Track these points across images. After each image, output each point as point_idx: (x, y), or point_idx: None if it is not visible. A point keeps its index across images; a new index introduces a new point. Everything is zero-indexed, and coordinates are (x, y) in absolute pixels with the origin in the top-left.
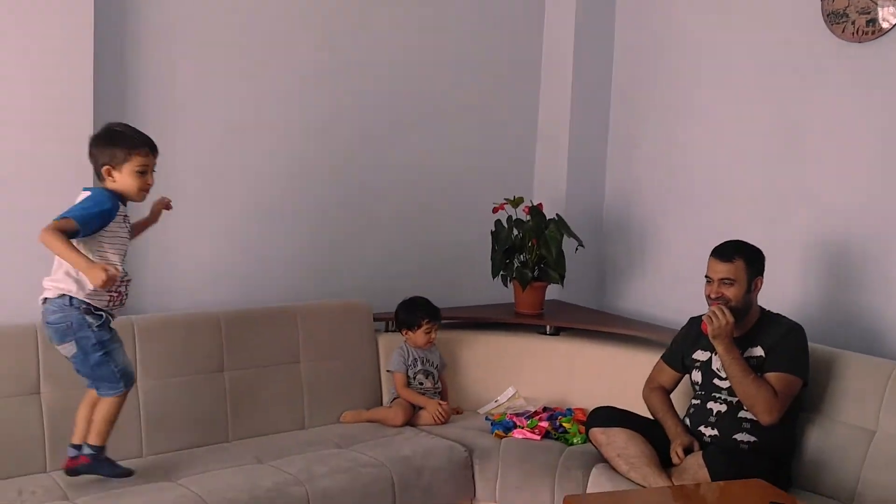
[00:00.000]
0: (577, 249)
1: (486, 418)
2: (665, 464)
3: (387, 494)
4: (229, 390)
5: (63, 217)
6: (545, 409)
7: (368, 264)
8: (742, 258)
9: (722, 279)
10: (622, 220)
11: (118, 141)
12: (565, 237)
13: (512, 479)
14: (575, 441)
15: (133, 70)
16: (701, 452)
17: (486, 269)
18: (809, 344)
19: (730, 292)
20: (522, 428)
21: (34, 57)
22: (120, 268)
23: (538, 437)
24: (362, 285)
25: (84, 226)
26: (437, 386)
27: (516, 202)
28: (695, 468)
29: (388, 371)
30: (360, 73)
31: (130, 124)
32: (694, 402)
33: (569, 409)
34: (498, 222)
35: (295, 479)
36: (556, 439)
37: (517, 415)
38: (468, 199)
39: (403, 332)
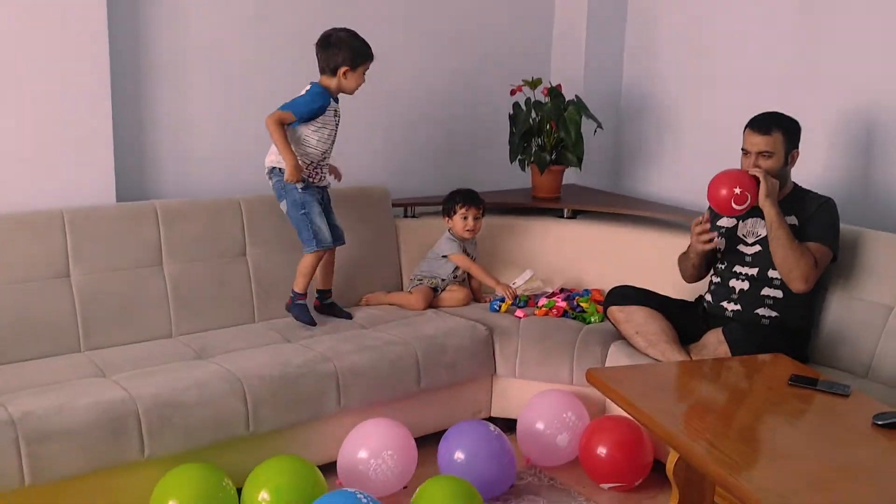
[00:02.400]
0: (595, 132)
1: (502, 299)
2: (684, 341)
3: (411, 370)
4: (254, 273)
5: (285, 108)
6: (562, 291)
7: (387, 150)
8: (780, 130)
9: (760, 152)
10: (641, 102)
11: (360, 49)
12: (584, 119)
13: (531, 356)
14: (593, 320)
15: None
16: (721, 329)
17: (504, 154)
18: None
19: (767, 165)
20: (539, 307)
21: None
22: (320, 153)
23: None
24: (381, 171)
25: (300, 117)
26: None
27: (534, 84)
28: (714, 344)
29: (443, 257)
30: None
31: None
32: (715, 279)
33: (586, 290)
34: (516, 105)
35: (323, 356)
36: (574, 319)
37: (535, 296)
38: (485, 82)
39: (446, 221)
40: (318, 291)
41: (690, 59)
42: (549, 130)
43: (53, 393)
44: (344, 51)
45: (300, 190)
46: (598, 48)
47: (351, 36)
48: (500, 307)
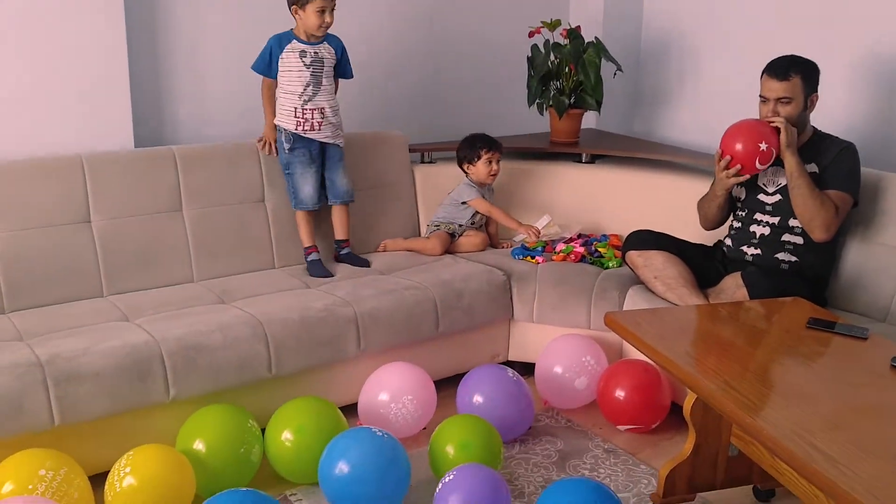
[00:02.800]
0: (615, 74)
1: (522, 246)
2: (703, 286)
3: (430, 315)
4: (272, 219)
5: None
6: (580, 236)
7: (403, 96)
8: (798, 74)
9: (779, 98)
10: (661, 44)
11: None
12: (603, 62)
13: (549, 300)
14: (610, 265)
15: None
16: (739, 273)
17: (522, 98)
18: None
19: (786, 111)
20: (556, 253)
21: None
22: (296, 96)
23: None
24: (397, 117)
25: (260, 72)
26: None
27: (553, 25)
28: (733, 288)
29: (462, 203)
30: None
31: None
32: (735, 224)
33: (604, 235)
34: (534, 47)
35: (343, 300)
36: (592, 264)
37: (553, 242)
38: (503, 24)
39: (466, 168)
40: (335, 242)
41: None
42: (567, 73)
43: (79, 336)
44: None
45: (287, 151)
46: None
47: None
48: (524, 257)
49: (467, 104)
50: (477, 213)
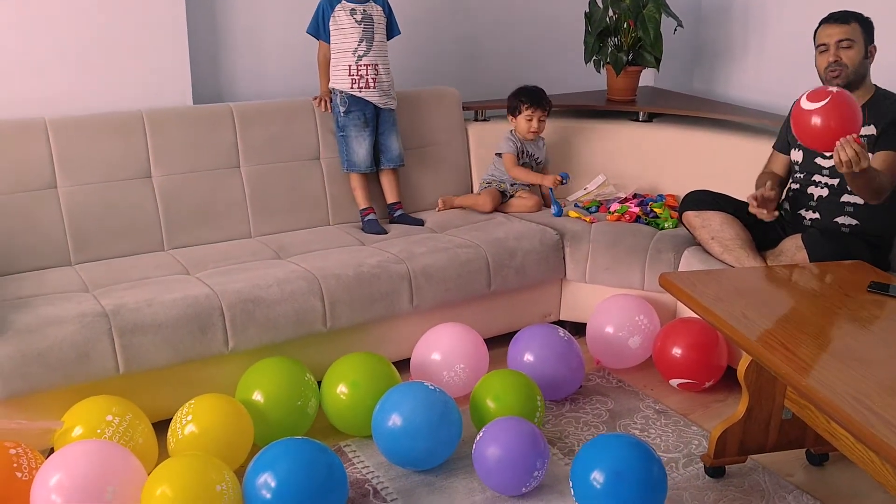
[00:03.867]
0: (675, 30)
1: (576, 205)
2: (760, 248)
3: (482, 272)
4: (327, 176)
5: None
6: (635, 196)
7: (458, 52)
8: (857, 21)
9: (839, 41)
10: None
11: None
12: (664, 17)
13: (602, 261)
14: (666, 226)
15: None
16: (799, 235)
17: (579, 55)
18: None
19: (848, 56)
20: (611, 213)
21: None
22: (350, 54)
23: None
24: (452, 73)
25: (313, 34)
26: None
27: None
28: (793, 251)
29: (497, 154)
30: None
31: None
32: (793, 186)
33: (660, 196)
34: (592, 2)
35: (396, 257)
36: (647, 224)
37: (607, 201)
38: None
39: (510, 119)
40: (388, 205)
41: None
42: (626, 29)
43: (142, 288)
44: None
45: (342, 114)
46: None
47: None
48: (564, 211)
49: (523, 61)
50: (527, 164)
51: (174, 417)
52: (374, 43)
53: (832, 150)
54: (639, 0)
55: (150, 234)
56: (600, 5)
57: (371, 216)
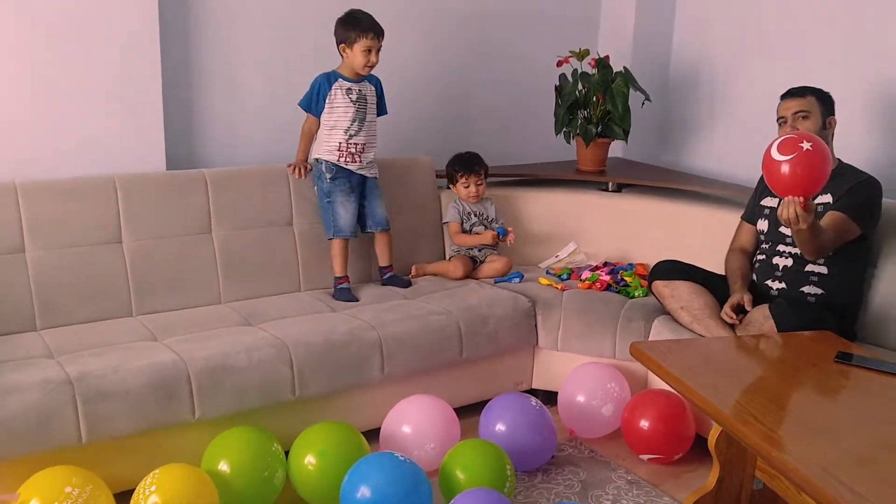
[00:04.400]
0: (643, 104)
1: (548, 272)
2: None
3: (454, 340)
4: (300, 242)
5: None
6: (606, 264)
7: (431, 121)
8: (813, 95)
9: (796, 112)
10: (690, 74)
11: (349, 22)
12: (632, 91)
13: (574, 329)
14: (636, 294)
15: None
16: (767, 305)
17: (550, 126)
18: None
19: (805, 127)
20: (582, 280)
21: None
22: (342, 132)
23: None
24: (425, 142)
25: (306, 108)
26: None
27: (581, 55)
28: (760, 320)
29: (443, 223)
30: None
31: (365, 10)
32: (759, 257)
33: (630, 264)
34: (562, 76)
35: (368, 324)
36: (618, 293)
37: (578, 269)
38: (531, 53)
39: (451, 188)
40: (379, 268)
41: (742, 29)
42: (595, 102)
43: (108, 354)
44: (338, 29)
45: (328, 180)
46: (647, 18)
47: (347, 13)
48: (521, 279)
49: (495, 131)
50: (482, 224)
51: (137, 488)
52: (366, 122)
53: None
54: (607, 74)
55: (118, 299)
56: (570, 79)
57: (344, 285)
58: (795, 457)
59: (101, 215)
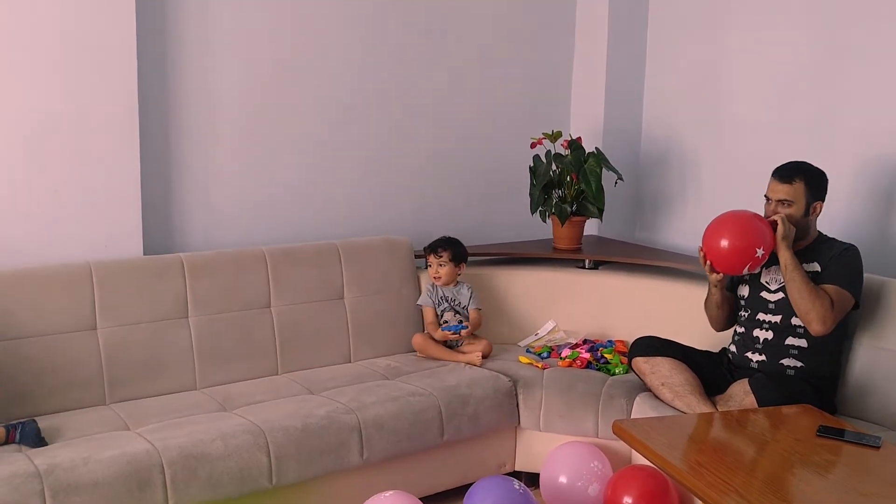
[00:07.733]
0: (616, 183)
1: (528, 351)
2: (709, 393)
3: (434, 422)
4: (277, 325)
5: None
6: (585, 342)
7: (409, 202)
8: (803, 180)
9: (780, 200)
10: (660, 153)
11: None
12: (604, 171)
13: (556, 408)
14: (617, 371)
15: (173, 11)
16: (747, 379)
17: (525, 205)
18: None
19: (787, 212)
20: (562, 358)
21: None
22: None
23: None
24: (402, 222)
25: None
26: (461, 323)
27: (555, 136)
28: (741, 395)
29: (417, 305)
30: (397, 9)
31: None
32: (739, 330)
33: (609, 341)
34: (536, 157)
35: (346, 407)
36: (598, 370)
37: (558, 347)
38: (505, 135)
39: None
40: None
41: (708, 108)
42: (569, 182)
43: (78, 445)
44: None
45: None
46: (616, 100)
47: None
48: (458, 330)
49: (471, 211)
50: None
51: None
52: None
53: (742, 270)
54: (580, 155)
55: (90, 387)
56: (544, 160)
57: None
58: None
59: (75, 303)
